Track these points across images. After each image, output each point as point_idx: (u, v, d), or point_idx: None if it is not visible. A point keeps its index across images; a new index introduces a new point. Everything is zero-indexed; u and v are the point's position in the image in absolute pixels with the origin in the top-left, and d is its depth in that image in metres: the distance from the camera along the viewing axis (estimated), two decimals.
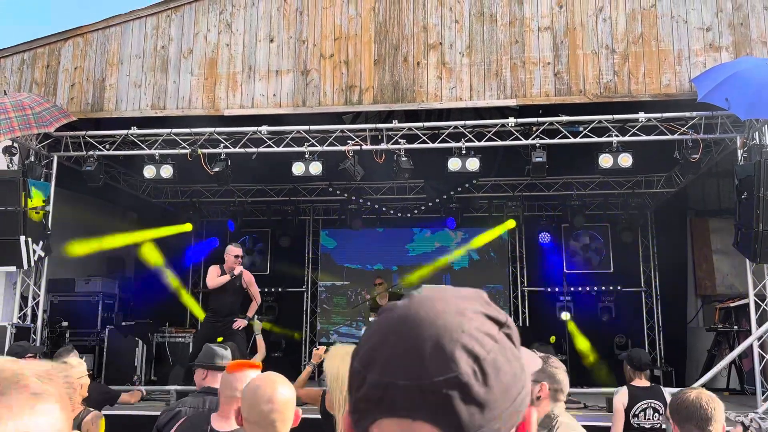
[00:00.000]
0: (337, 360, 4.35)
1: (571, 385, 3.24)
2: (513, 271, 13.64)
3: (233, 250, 8.30)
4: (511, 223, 12.90)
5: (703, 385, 7.88)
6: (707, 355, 10.44)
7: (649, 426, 5.04)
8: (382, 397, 0.67)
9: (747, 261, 7.89)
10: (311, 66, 8.76)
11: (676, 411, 2.69)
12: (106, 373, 10.02)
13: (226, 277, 8.17)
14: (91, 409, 4.14)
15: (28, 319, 8.82)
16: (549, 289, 13.05)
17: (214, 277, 8.17)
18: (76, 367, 4.18)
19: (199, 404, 3.61)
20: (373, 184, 12.28)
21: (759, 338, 7.70)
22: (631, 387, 5.12)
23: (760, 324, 7.71)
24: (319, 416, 4.33)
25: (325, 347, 5.29)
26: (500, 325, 0.72)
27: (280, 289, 13.67)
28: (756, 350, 7.70)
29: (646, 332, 12.90)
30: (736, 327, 10.00)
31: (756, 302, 7.88)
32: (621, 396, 5.08)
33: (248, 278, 8.44)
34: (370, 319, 10.22)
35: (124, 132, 9.10)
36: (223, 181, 9.37)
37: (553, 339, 11.82)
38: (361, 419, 0.70)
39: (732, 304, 10.25)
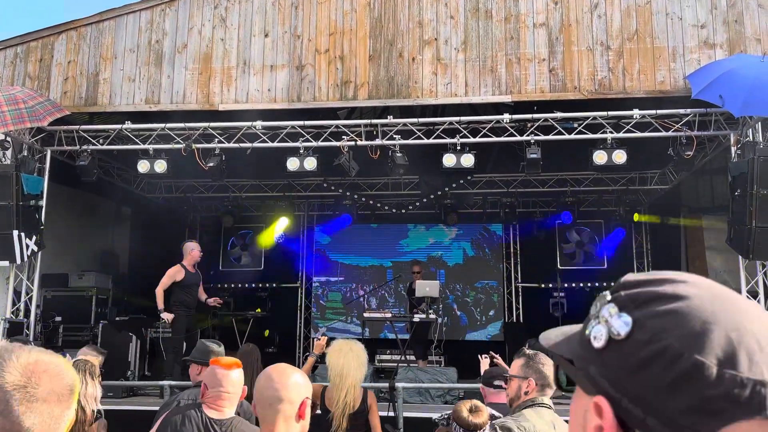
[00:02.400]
0: (341, 355, 4.34)
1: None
2: (507, 267, 13.67)
3: (194, 245, 9.27)
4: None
5: None
6: None
7: None
8: (751, 398, 0.63)
9: (739, 258, 7.93)
10: (306, 61, 8.74)
11: None
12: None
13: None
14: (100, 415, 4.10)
15: (21, 314, 8.79)
16: (543, 285, 13.08)
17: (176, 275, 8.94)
18: (95, 365, 4.21)
19: (198, 396, 3.68)
20: (367, 179, 12.27)
21: None
22: None
23: None
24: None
25: (327, 338, 5.30)
26: None
27: (274, 285, 13.67)
28: None
29: None
30: None
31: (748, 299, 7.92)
32: None
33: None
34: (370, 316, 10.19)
35: (118, 126, 9.07)
36: (217, 176, 9.34)
37: None
38: (710, 420, 0.64)
39: None
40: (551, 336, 0.83)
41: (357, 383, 4.31)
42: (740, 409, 0.63)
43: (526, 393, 3.25)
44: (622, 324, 0.71)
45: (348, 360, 4.29)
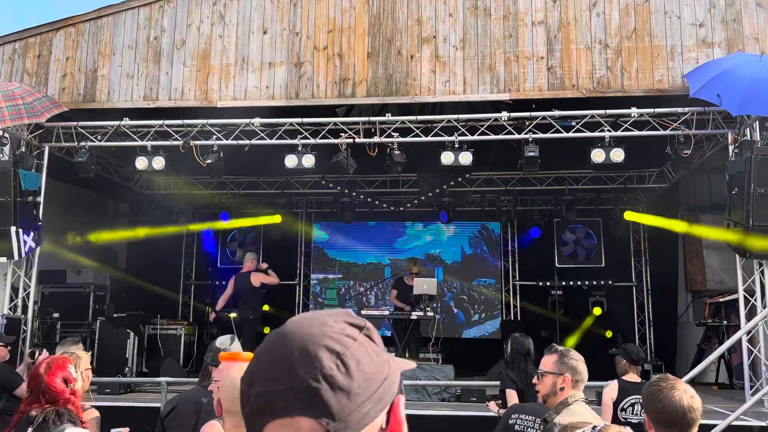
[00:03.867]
0: None
1: None
2: (505, 265, 13.68)
3: (254, 255, 11.04)
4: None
5: (692, 379, 7.95)
6: (697, 349, 10.51)
7: (636, 421, 5.05)
8: (264, 405, 0.78)
9: (737, 256, 7.94)
10: (305, 58, 8.74)
11: (654, 411, 2.47)
12: (98, 365, 10.00)
13: None
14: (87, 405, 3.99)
15: (19, 310, 8.79)
16: (540, 283, 13.09)
17: None
18: (82, 358, 4.08)
19: (195, 396, 3.75)
20: (365, 177, 12.27)
21: (747, 333, 7.75)
22: (621, 381, 5.12)
23: (749, 319, 7.76)
24: None
25: None
26: (360, 328, 0.83)
27: None
28: (744, 345, 7.76)
29: (637, 327, 12.97)
30: (725, 322, 10.08)
31: (745, 297, 7.93)
32: (611, 390, 5.07)
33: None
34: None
35: (116, 123, 9.06)
36: (215, 173, 9.33)
37: (543, 333, 11.88)
38: (253, 426, 0.79)
39: (722, 299, 10.32)
40: None
41: None
42: (264, 416, 0.78)
43: (561, 389, 3.28)
44: None
45: None
